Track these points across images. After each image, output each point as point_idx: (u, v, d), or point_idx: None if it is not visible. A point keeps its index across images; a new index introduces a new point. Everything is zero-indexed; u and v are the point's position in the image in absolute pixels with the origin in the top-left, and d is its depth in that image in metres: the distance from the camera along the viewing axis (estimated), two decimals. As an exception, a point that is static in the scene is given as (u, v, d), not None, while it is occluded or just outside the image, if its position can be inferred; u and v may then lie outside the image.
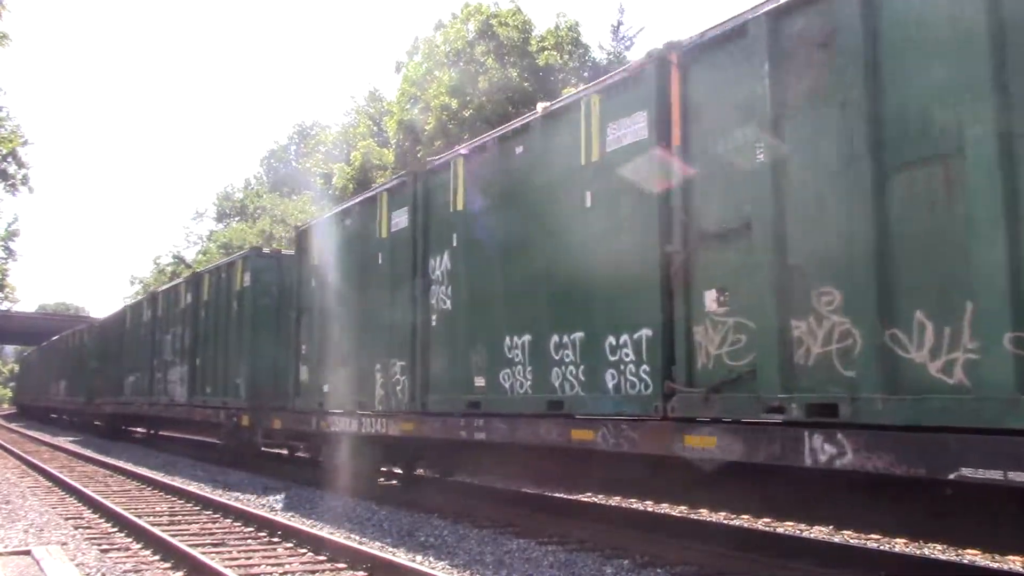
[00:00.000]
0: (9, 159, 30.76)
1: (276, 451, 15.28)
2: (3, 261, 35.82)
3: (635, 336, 6.25)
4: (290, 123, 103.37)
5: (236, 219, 49.55)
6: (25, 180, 31.67)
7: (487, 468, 9.89)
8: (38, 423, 37.82)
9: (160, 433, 22.99)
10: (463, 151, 8.76)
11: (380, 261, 9.98)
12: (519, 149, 7.82)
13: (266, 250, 16.30)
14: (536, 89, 23.94)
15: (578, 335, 6.86)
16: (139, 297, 34.01)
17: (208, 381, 16.11)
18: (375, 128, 33.30)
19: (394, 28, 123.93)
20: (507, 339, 7.68)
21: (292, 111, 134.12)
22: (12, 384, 73.46)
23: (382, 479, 11.55)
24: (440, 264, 8.86)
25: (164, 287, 22.32)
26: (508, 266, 7.84)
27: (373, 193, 10.65)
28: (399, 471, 11.54)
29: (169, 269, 48.10)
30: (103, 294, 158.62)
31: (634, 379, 6.25)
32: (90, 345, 27.92)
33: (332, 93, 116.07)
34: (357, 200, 11.18)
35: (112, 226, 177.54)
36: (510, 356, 7.64)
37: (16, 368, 70.78)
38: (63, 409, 34.68)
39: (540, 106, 7.68)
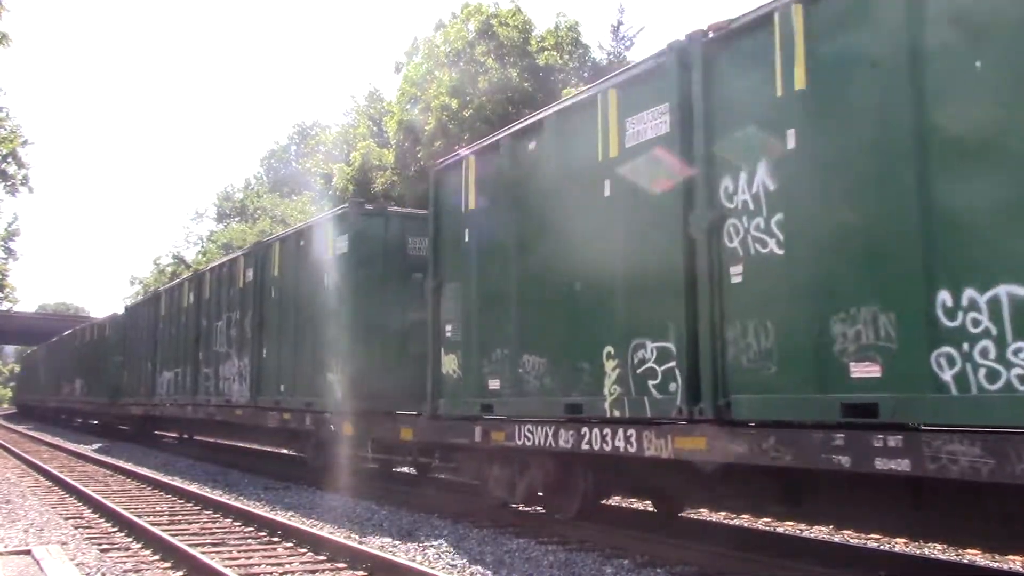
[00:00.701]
0: (9, 159, 30.74)
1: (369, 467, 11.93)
2: (3, 261, 35.87)
3: None
4: (290, 123, 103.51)
5: (236, 219, 49.57)
6: (25, 180, 31.63)
7: (911, 521, 6.30)
8: (39, 423, 37.74)
9: (196, 438, 20.53)
10: None
11: (607, 192, 7.07)
12: None
13: (368, 206, 12.50)
14: (536, 89, 23.96)
15: None
16: (140, 296, 34.00)
17: (284, 377, 12.98)
18: (375, 128, 33.25)
19: (394, 28, 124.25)
20: (941, 295, 4.69)
21: (292, 111, 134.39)
22: (12, 384, 73.50)
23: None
24: (747, 185, 5.83)
25: (214, 263, 18.75)
26: (954, 169, 4.71)
27: (586, 95, 7.54)
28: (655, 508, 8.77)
29: (169, 269, 48.15)
30: (103, 294, 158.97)
31: None
32: (113, 338, 24.76)
33: (332, 93, 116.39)
34: (548, 112, 8.08)
35: (112, 226, 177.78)
36: (951, 325, 4.63)
37: (16, 368, 70.83)
38: (80, 411, 31.88)
39: None
